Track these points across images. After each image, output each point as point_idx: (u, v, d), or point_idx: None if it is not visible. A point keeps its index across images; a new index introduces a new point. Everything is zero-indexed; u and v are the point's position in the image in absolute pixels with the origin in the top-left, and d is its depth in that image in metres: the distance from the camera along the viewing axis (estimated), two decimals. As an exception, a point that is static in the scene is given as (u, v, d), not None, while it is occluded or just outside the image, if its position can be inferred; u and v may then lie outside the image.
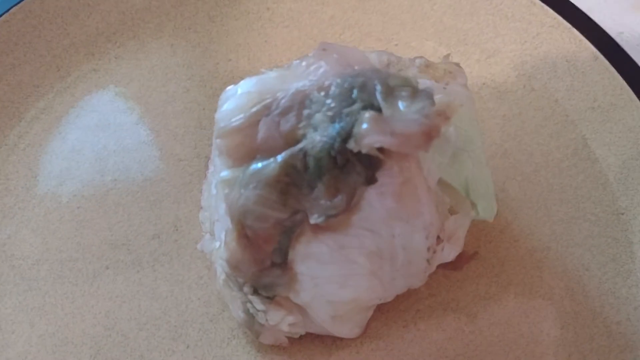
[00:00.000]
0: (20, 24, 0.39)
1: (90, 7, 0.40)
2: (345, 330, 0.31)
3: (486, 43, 0.41)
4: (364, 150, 0.25)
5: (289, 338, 0.31)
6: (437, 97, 0.27)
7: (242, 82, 0.28)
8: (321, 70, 0.27)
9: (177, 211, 0.35)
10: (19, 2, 0.39)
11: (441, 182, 0.29)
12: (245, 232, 0.27)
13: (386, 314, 0.33)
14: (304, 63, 0.27)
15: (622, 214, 0.36)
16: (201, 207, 0.34)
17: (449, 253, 0.31)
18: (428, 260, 0.28)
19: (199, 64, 0.40)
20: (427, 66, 0.29)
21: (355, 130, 0.25)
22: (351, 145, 0.25)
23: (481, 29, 0.41)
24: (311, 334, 0.31)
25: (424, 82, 0.28)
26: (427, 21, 0.41)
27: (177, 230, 0.35)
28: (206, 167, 0.35)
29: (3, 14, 0.38)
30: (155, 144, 0.37)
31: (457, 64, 0.30)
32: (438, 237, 0.28)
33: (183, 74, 0.40)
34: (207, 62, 0.40)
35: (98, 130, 0.38)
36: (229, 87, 0.28)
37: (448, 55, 0.31)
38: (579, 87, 0.39)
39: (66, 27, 0.40)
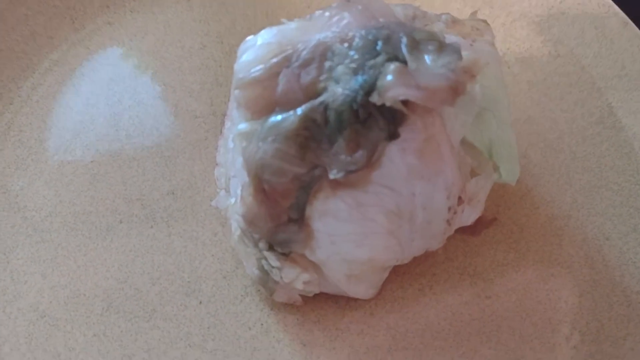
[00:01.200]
0: (34, -27, 0.38)
1: (106, -42, 0.39)
2: (360, 290, 0.30)
3: (512, 6, 0.40)
4: (387, 103, 0.24)
5: (303, 297, 0.31)
6: (464, 54, 0.26)
7: (262, 32, 0.27)
8: (344, 21, 0.26)
9: (192, 167, 0.35)
10: (33, -49, 0.38)
11: (464, 142, 0.28)
12: (262, 187, 0.26)
13: (402, 277, 0.33)
14: (326, 14, 0.26)
15: (646, 184, 0.35)
16: (217, 164, 0.33)
17: (468, 216, 0.30)
18: (448, 221, 0.27)
19: (216, 19, 0.39)
20: (454, 22, 0.28)
21: (379, 83, 0.24)
22: (374, 98, 0.24)
23: (507, -9, 0.40)
24: (325, 293, 0.31)
25: (450, 38, 0.27)
26: (453, -18, 0.40)
27: (191, 186, 0.34)
28: (222, 123, 0.35)
29: (17, -38, 0.37)
30: (170, 99, 0.37)
31: (485, 21, 0.29)
32: (459, 198, 0.27)
33: (199, 29, 0.39)
34: (224, 18, 0.39)
35: (112, 84, 0.37)
36: (248, 37, 0.27)
37: (475, 12, 0.30)
38: (606, 54, 0.38)
39: (81, -23, 0.39)
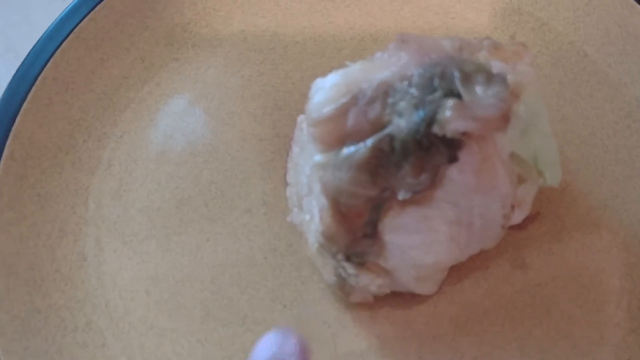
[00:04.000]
0: (104, 21, 0.42)
1: (165, 0, 0.43)
2: (425, 288, 0.35)
3: (540, 12, 0.43)
4: (449, 135, 0.28)
5: (374, 296, 0.35)
6: (508, 78, 0.30)
7: (329, 76, 0.31)
8: (402, 61, 0.30)
9: (263, 187, 0.39)
10: (100, 1, 0.42)
11: (512, 155, 0.32)
12: (340, 209, 0.30)
13: (459, 272, 0.36)
14: (385, 55, 0.30)
15: (675, 171, 0.39)
16: (287, 184, 0.38)
17: (517, 216, 0.34)
18: (502, 226, 0.31)
19: (269, 48, 0.43)
20: (496, 48, 0.32)
21: (439, 116, 0.28)
22: (436, 130, 0.28)
23: (535, -1, 0.43)
24: (392, 291, 0.35)
25: (495, 65, 0.30)
26: (482, -7, 0.43)
27: (265, 204, 0.39)
28: (288, 146, 0.39)
29: (88, 12, 0.42)
30: (237, 125, 0.41)
31: (523, 44, 0.32)
32: (512, 206, 0.31)
33: (255, 58, 0.43)
34: (277, 45, 0.43)
35: (184, 116, 0.41)
36: (317, 80, 0.31)
37: (513, 35, 0.34)
38: (631, 50, 0.41)
39: (145, 20, 0.43)
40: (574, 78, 0.42)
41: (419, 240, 0.31)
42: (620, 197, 0.38)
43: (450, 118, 0.27)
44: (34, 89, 0.39)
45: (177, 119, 0.41)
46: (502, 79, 0.28)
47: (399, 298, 0.36)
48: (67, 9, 0.42)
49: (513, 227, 0.36)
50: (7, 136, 0.38)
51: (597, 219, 0.38)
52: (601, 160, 0.39)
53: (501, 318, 0.36)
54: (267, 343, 0.25)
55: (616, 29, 0.42)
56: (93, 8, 0.42)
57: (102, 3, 0.42)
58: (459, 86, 0.28)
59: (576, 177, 0.39)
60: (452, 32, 0.43)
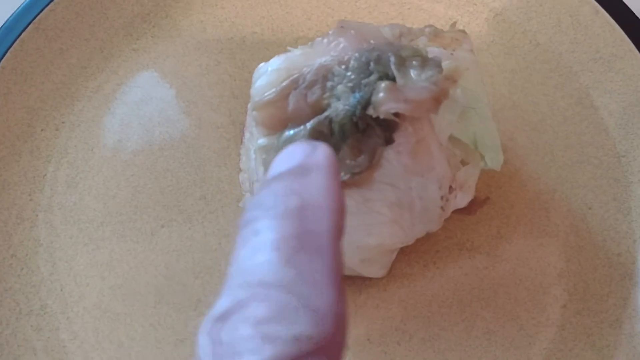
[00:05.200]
0: (64, 12, 0.42)
1: (125, -9, 0.44)
2: (373, 271, 0.35)
3: (494, 2, 0.44)
4: (381, 116, 0.28)
5: (324, 280, 0.36)
6: (445, 63, 0.31)
7: (271, 61, 0.31)
8: (341, 46, 0.30)
9: (218, 174, 0.40)
10: (61, -9, 0.42)
11: (452, 138, 0.32)
12: (282, 191, 0.31)
13: (408, 255, 0.37)
14: (325, 40, 0.31)
15: (623, 156, 0.39)
16: (240, 170, 0.38)
17: (462, 200, 0.34)
18: (442, 208, 0.32)
19: (227, 38, 0.44)
20: (436, 35, 0.32)
21: (373, 98, 0.29)
22: (370, 111, 0.29)
23: (488, -11, 0.44)
24: (344, 275, 0.36)
25: (432, 51, 0.31)
26: (437, -16, 0.44)
27: (220, 191, 0.39)
28: (242, 133, 0.39)
29: (48, 4, 0.42)
30: (194, 114, 0.41)
31: (463, 31, 0.33)
32: (450, 187, 0.32)
33: (214, 47, 0.43)
34: (235, 36, 0.44)
35: (142, 105, 0.42)
36: (260, 65, 0.32)
37: (454, 23, 0.34)
38: (581, 40, 0.42)
39: (105, 11, 0.43)
40: (526, 67, 0.42)
41: (360, 221, 0.31)
42: (569, 181, 0.39)
43: (383, 99, 0.28)
44: (-8, 78, 0.40)
45: (134, 107, 0.42)
46: (436, 63, 0.29)
47: (350, 282, 0.37)
48: (27, 0, 0.42)
49: (462, 212, 0.37)
50: (-36, 125, 0.39)
51: (545, 203, 0.39)
52: (551, 146, 0.40)
53: (449, 300, 0.36)
54: (291, 152, 0.21)
55: (567, 18, 0.42)
56: (52, 0, 0.42)
57: (62, -6, 0.42)
58: (394, 70, 0.29)
59: (526, 162, 0.40)
60: (408, 22, 0.44)
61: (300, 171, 0.20)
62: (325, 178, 0.20)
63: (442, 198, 0.31)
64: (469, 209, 0.37)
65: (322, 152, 0.21)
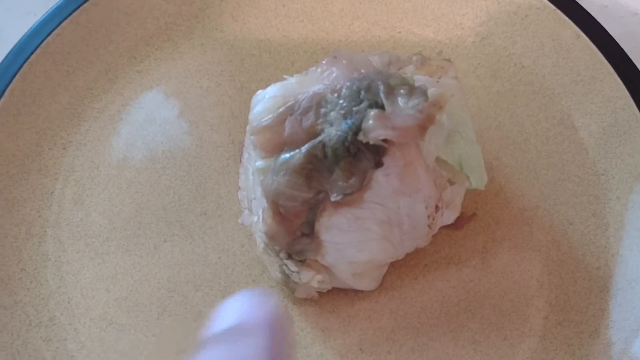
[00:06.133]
0: (70, 36, 0.44)
1: (128, 16, 0.46)
2: (365, 284, 0.37)
3: (480, 26, 0.46)
4: (371, 142, 0.30)
5: (319, 292, 0.38)
6: (431, 90, 0.33)
7: (268, 88, 0.33)
8: (333, 75, 0.33)
9: (218, 191, 0.42)
10: (67, 17, 0.44)
11: (439, 159, 0.34)
12: (279, 210, 0.33)
13: (398, 269, 0.39)
14: (318, 70, 0.33)
15: (602, 175, 0.41)
16: (239, 188, 0.40)
17: (448, 217, 0.37)
18: (429, 225, 0.34)
19: (227, 60, 0.46)
20: (423, 63, 0.34)
21: (364, 125, 0.31)
22: (361, 137, 0.31)
23: (475, 14, 0.46)
24: (337, 288, 0.38)
25: (419, 79, 0.33)
26: (427, 9, 0.46)
27: (220, 207, 0.41)
28: (240, 152, 0.41)
29: (55, 28, 0.44)
30: (195, 133, 0.43)
31: (448, 60, 0.35)
32: (437, 206, 0.34)
33: (214, 70, 0.45)
34: (234, 58, 0.46)
35: (146, 125, 0.44)
36: (258, 92, 0.34)
37: (440, 52, 0.36)
38: (563, 63, 0.44)
39: (110, 35, 0.45)
40: (511, 88, 0.45)
41: (352, 238, 0.33)
42: (552, 198, 0.41)
43: (372, 127, 0.30)
44: (2, 100, 0.42)
45: (138, 127, 0.44)
46: (422, 92, 0.31)
47: (343, 294, 0.39)
48: (35, 24, 0.44)
49: (449, 228, 0.39)
50: (-24, 145, 0.41)
51: (529, 219, 0.41)
52: (534, 164, 0.42)
53: (437, 312, 0.38)
54: (235, 307, 0.20)
55: (550, 42, 0.45)
56: (60, 24, 0.44)
57: (69, 19, 0.44)
58: (382, 98, 0.31)
59: (510, 180, 0.42)
60: (399, 45, 0.46)
61: (240, 332, 0.19)
62: (266, 340, 0.19)
63: (429, 217, 0.33)
64: (456, 224, 0.39)
65: (266, 308, 0.19)
